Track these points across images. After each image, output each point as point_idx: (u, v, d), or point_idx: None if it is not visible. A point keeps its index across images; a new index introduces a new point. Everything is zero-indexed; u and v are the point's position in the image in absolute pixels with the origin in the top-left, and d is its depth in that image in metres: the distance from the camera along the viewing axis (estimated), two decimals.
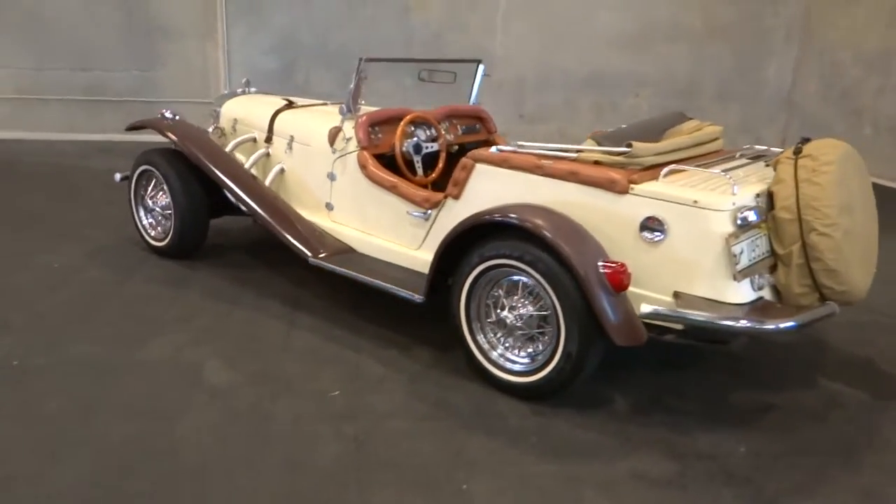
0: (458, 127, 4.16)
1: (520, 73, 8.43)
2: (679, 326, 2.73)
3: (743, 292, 2.74)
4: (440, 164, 3.82)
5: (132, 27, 7.84)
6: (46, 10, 7.66)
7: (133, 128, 4.45)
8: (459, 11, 8.16)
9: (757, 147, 3.46)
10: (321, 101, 4.51)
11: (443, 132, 3.96)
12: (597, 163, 2.99)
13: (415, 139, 3.81)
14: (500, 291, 3.02)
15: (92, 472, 2.45)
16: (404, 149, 3.76)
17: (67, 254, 4.40)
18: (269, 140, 4.21)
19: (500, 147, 3.23)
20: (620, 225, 2.86)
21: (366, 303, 3.78)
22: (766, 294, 2.85)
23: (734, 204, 2.70)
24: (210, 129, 4.53)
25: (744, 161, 3.23)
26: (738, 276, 2.68)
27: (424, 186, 3.74)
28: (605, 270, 2.71)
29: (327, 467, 2.54)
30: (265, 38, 7.98)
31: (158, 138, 4.31)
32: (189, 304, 3.78)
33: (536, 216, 2.85)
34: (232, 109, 4.57)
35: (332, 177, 3.82)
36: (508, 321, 2.98)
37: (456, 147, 4.06)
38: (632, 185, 2.83)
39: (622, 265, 2.73)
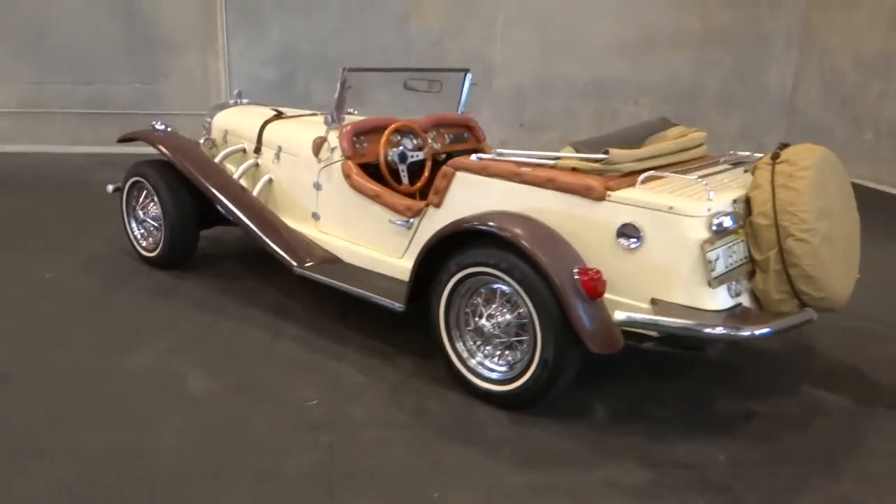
0: (446, 136, 4.16)
1: (519, 81, 8.45)
2: (655, 333, 2.71)
3: (719, 299, 2.72)
4: (426, 173, 3.83)
5: (134, 40, 7.92)
6: (49, 24, 7.76)
7: (124, 139, 4.48)
8: (459, 19, 8.19)
9: (740, 153, 3.44)
10: (311, 112, 4.53)
11: (429, 141, 3.96)
12: (574, 170, 2.99)
13: (400, 148, 3.82)
14: (479, 299, 3.01)
15: (60, 481, 2.45)
16: (389, 158, 3.77)
17: (60, 264, 4.43)
18: (258, 150, 4.23)
19: (479, 155, 3.23)
20: (598, 232, 2.85)
21: (351, 312, 3.78)
22: (745, 300, 2.83)
23: (709, 210, 2.69)
24: (201, 141, 4.55)
25: (725, 167, 3.21)
26: (713, 282, 2.66)
27: (411, 195, 3.74)
28: (580, 277, 2.70)
29: (299, 476, 2.54)
30: (265, 49, 8.04)
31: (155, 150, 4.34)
32: (174, 314, 3.80)
33: (512, 224, 2.84)
34: (223, 120, 4.59)
35: (318, 186, 3.84)
36: (486, 329, 2.97)
37: (444, 156, 4.06)
38: (608, 192, 2.82)
39: (597, 272, 2.72)
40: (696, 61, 8.55)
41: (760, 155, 3.13)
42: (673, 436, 2.85)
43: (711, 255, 2.67)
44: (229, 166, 4.34)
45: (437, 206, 3.31)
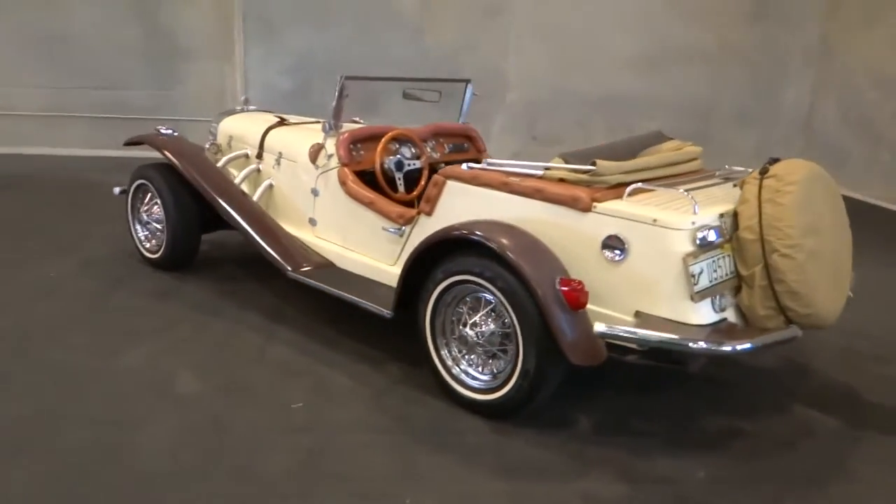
0: (445, 145, 4.19)
1: (533, 95, 8.46)
2: (634, 346, 2.70)
3: (703, 313, 2.70)
4: (422, 182, 3.85)
5: (153, 48, 8.06)
6: (71, 32, 7.92)
7: (130, 143, 4.57)
8: (473, 32, 8.23)
9: (735, 168, 3.42)
10: (314, 120, 4.58)
11: (426, 150, 3.99)
12: (562, 181, 2.99)
13: (398, 156, 3.84)
14: (465, 308, 3.02)
15: (44, 477, 2.49)
16: (386, 166, 3.79)
17: (65, 264, 4.51)
18: (259, 156, 4.28)
19: (470, 164, 3.24)
20: (584, 243, 2.85)
21: (344, 318, 3.80)
22: (731, 315, 2.81)
23: (694, 223, 2.68)
24: (207, 146, 4.61)
25: (717, 181, 3.19)
26: (696, 296, 2.65)
27: (408, 204, 3.76)
28: (562, 288, 2.70)
29: (275, 477, 2.55)
30: (281, 58, 8.13)
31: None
32: (172, 315, 3.84)
33: (497, 233, 2.85)
34: (229, 126, 4.65)
35: (315, 192, 3.87)
36: (469, 338, 2.98)
37: (442, 165, 4.08)
38: (595, 203, 2.83)
39: (579, 283, 2.71)
40: (711, 78, 8.51)
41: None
42: (655, 450, 2.82)
43: (695, 269, 2.66)
44: (232, 171, 4.39)
45: (429, 214, 3.33)
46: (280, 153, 4.13)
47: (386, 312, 3.23)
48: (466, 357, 3.03)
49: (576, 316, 2.72)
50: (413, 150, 3.95)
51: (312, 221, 3.92)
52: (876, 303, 4.56)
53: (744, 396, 3.31)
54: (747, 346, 2.61)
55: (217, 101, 8.14)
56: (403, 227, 3.44)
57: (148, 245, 4.48)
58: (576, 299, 2.69)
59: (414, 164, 3.89)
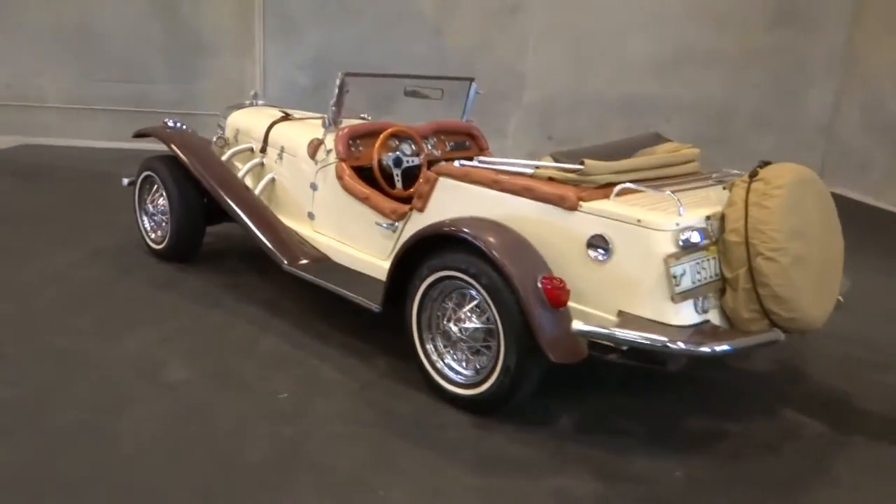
0: (447, 143, 4.21)
1: (550, 95, 8.45)
2: (611, 344, 2.70)
3: (684, 314, 2.70)
4: (420, 179, 3.87)
5: (175, 43, 8.19)
6: (96, 26, 8.08)
7: (138, 135, 4.66)
8: (491, 33, 8.24)
9: (732, 171, 3.39)
10: (319, 115, 4.61)
11: (425, 147, 4.02)
12: (551, 179, 3.00)
13: (396, 153, 3.87)
14: (450, 304, 3.04)
15: (25, 458, 2.55)
16: (385, 162, 3.82)
17: (75, 252, 4.61)
18: (263, 150, 4.34)
19: (462, 161, 3.26)
20: (569, 242, 2.85)
21: (339, 312, 3.83)
22: (715, 317, 2.80)
23: (678, 224, 2.67)
24: (214, 139, 4.68)
25: (710, 183, 3.18)
26: (677, 297, 2.64)
27: (406, 200, 3.79)
28: (544, 285, 2.71)
29: (254, 466, 2.59)
30: (300, 55, 8.21)
31: None
32: (172, 305, 3.91)
33: (482, 230, 2.87)
34: (236, 120, 4.72)
35: (314, 187, 3.92)
36: (452, 333, 2.99)
37: (443, 162, 4.09)
38: (581, 203, 2.83)
39: (561, 281, 2.72)
40: (731, 81, 8.42)
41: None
42: (635, 450, 2.82)
43: (677, 270, 2.65)
44: (237, 164, 4.46)
45: (421, 210, 3.35)
46: (282, 147, 4.18)
47: (374, 306, 3.26)
48: (451, 352, 3.05)
49: (556, 314, 2.72)
50: (413, 147, 3.98)
51: (311, 216, 3.96)
52: (884, 311, 4.51)
53: (733, 399, 3.29)
54: (726, 348, 2.60)
55: (237, 96, 8.16)
56: (396, 223, 3.47)
57: (153, 235, 4.56)
58: (556, 297, 2.70)
59: (412, 161, 3.91)
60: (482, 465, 2.67)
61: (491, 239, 2.81)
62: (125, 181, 4.67)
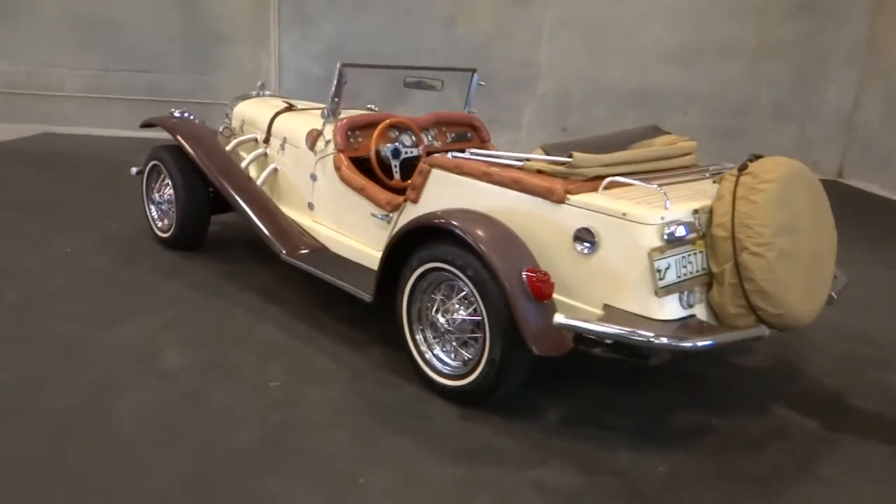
0: (448, 134, 4.22)
1: (564, 86, 8.41)
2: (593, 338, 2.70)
3: (669, 309, 2.69)
4: None
5: (191, 33, 8.28)
6: (114, 17, 8.20)
7: (145, 125, 4.72)
8: (505, 23, 8.21)
9: (729, 165, 3.36)
10: (322, 106, 4.64)
11: (424, 138, 4.03)
12: (540, 172, 3.00)
13: (395, 144, 3.89)
14: (439, 295, 3.06)
15: (16, 441, 2.62)
16: (383, 153, 3.84)
17: (82, 240, 4.70)
18: (267, 141, 4.38)
19: (454, 153, 3.27)
20: (557, 234, 2.86)
21: (336, 302, 3.86)
22: (701, 312, 2.79)
23: (663, 218, 2.66)
24: (220, 129, 4.73)
25: (704, 177, 3.15)
26: (660, 291, 2.63)
27: (404, 191, 3.80)
28: (528, 278, 2.71)
29: (239, 452, 2.64)
30: (314, 45, 8.25)
31: None
32: (174, 293, 3.97)
33: (469, 222, 2.88)
34: (242, 110, 4.77)
35: (313, 178, 3.95)
36: (440, 325, 3.01)
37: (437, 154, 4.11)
38: (568, 195, 2.83)
39: (545, 274, 2.73)
40: (749, 73, 8.32)
41: None
42: (619, 443, 2.82)
43: (661, 264, 2.64)
44: (242, 154, 4.51)
45: (414, 201, 3.37)
46: (285, 138, 4.22)
47: (366, 297, 3.29)
48: (440, 343, 3.07)
49: (541, 306, 2.73)
50: (413, 139, 3.99)
51: (311, 206, 4.00)
52: (891, 308, 4.45)
53: (726, 395, 3.27)
54: (708, 343, 2.59)
55: (251, 87, 8.28)
56: (391, 214, 3.49)
57: (160, 224, 4.64)
58: (540, 290, 2.70)
59: (411, 152, 3.93)
60: (465, 455, 2.69)
61: (477, 231, 2.82)
62: (133, 170, 4.75)
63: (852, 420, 3.11)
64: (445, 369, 3.03)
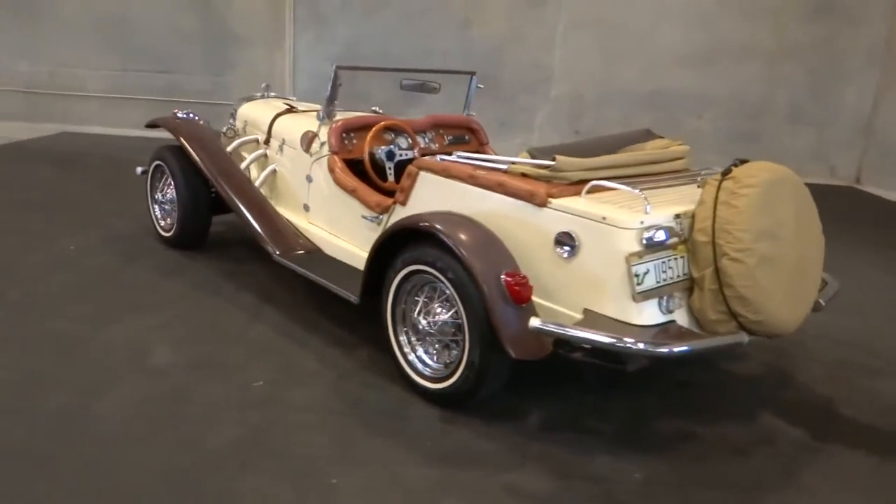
0: (445, 137, 4.23)
1: (577, 89, 8.38)
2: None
3: (647, 314, 2.67)
4: None
5: (208, 35, 8.40)
6: (132, 18, 8.35)
7: (150, 125, 4.79)
8: (519, 25, 8.20)
9: (717, 169, 3.32)
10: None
11: (419, 141, 4.04)
12: (525, 175, 3.00)
13: (390, 146, 3.91)
14: (422, 298, 3.07)
15: (10, 437, 2.67)
16: (377, 155, 3.86)
17: (87, 238, 4.78)
18: (267, 142, 4.43)
19: (442, 156, 3.28)
20: (538, 238, 2.85)
21: (331, 302, 3.88)
22: (682, 318, 2.76)
23: (642, 223, 2.64)
24: (224, 130, 4.79)
25: (685, 181, 3.13)
26: (637, 296, 2.61)
27: (395, 193, 3.82)
28: (506, 281, 2.71)
29: (217, 450, 2.67)
30: (329, 47, 8.32)
31: None
32: (172, 292, 4.03)
33: (450, 225, 2.89)
34: (246, 112, 4.82)
35: (309, 179, 3.98)
36: (421, 327, 3.02)
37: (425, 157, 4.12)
38: (550, 199, 2.82)
39: (524, 277, 2.72)
40: (766, 76, 8.23)
41: None
42: (598, 448, 2.81)
43: (639, 269, 2.63)
44: (244, 155, 4.55)
45: (403, 203, 3.39)
46: (283, 140, 4.26)
47: (353, 298, 3.31)
48: (422, 345, 3.08)
49: (519, 310, 2.73)
50: (409, 141, 4.01)
51: (306, 207, 4.03)
52: (892, 315, 4.38)
53: (711, 402, 3.24)
54: (685, 349, 2.56)
55: None
56: (381, 216, 3.51)
57: (163, 223, 4.71)
58: (518, 293, 2.70)
59: (406, 155, 3.94)
60: (442, 458, 2.70)
61: (458, 234, 2.83)
62: (139, 170, 4.82)
63: (840, 429, 3.07)
64: (427, 371, 3.03)
